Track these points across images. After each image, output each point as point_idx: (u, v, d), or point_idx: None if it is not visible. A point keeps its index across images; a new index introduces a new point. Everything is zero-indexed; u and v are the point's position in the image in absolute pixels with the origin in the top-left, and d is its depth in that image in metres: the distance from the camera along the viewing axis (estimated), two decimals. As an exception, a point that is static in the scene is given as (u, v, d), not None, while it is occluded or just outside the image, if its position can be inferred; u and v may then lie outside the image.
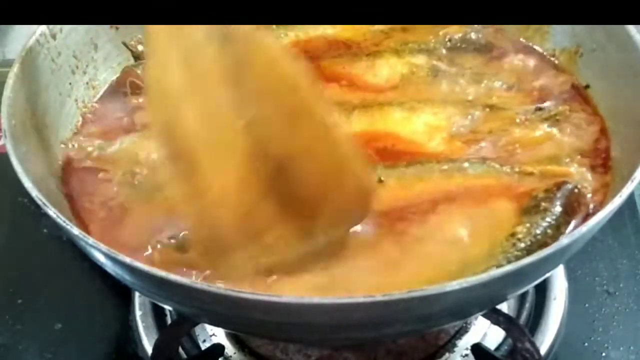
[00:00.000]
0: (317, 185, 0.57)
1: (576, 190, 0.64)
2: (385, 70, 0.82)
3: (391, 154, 0.71)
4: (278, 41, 0.58)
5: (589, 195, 0.65)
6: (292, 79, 0.57)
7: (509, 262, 0.57)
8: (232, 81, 0.56)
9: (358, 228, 0.62)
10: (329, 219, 0.58)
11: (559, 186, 0.64)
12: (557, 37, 0.83)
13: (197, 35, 0.57)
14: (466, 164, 0.68)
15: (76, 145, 0.74)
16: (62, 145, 0.74)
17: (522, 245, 0.59)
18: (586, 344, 0.77)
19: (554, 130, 0.72)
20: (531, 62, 0.82)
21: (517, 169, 0.67)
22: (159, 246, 0.62)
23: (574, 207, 0.63)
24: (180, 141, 0.56)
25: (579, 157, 0.69)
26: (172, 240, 0.62)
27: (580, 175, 0.67)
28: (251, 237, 0.57)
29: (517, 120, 0.73)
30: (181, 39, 0.57)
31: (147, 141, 0.72)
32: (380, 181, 0.67)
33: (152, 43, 0.58)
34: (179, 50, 0.57)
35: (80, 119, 0.79)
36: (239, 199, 0.56)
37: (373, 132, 0.73)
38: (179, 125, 0.56)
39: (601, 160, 0.69)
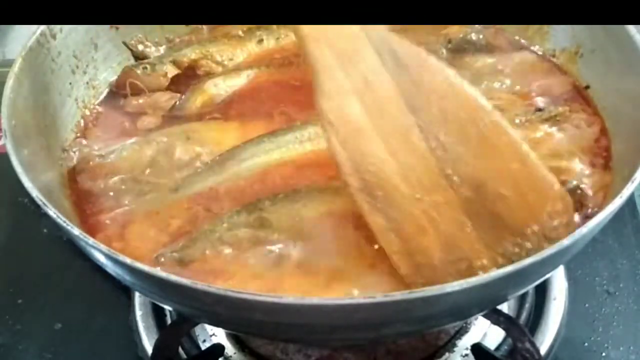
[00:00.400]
0: (518, 207, 0.56)
1: (578, 191, 0.64)
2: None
3: None
4: (444, 64, 0.59)
5: (590, 195, 0.65)
6: (470, 103, 0.57)
7: (513, 262, 0.57)
8: (411, 107, 0.56)
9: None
10: (536, 238, 0.57)
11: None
12: (557, 37, 0.82)
13: (370, 63, 0.57)
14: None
15: (77, 152, 0.74)
16: (64, 152, 0.74)
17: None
18: (586, 344, 0.77)
19: (555, 131, 0.72)
20: (531, 62, 0.82)
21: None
22: (162, 259, 0.62)
23: (575, 207, 0.63)
24: (372, 173, 0.56)
25: (579, 157, 0.69)
26: (175, 254, 0.62)
27: (581, 175, 0.67)
28: (458, 265, 0.57)
29: (517, 122, 0.73)
30: (354, 67, 0.57)
31: (148, 146, 0.73)
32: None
33: (322, 74, 0.57)
34: (353, 80, 0.57)
35: (81, 120, 0.79)
36: (439, 224, 0.56)
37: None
38: (368, 156, 0.56)
39: (602, 160, 0.69)
